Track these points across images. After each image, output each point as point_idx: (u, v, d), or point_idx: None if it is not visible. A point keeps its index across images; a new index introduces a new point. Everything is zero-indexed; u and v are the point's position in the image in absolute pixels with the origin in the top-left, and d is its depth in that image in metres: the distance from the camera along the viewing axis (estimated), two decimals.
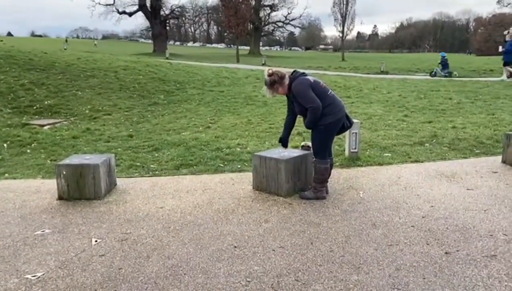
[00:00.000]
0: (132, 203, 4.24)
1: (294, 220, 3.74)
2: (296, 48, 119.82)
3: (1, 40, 27.23)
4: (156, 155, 6.44)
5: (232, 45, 62.40)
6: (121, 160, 6.10)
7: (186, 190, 4.61)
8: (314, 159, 4.28)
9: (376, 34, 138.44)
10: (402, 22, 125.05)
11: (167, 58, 28.50)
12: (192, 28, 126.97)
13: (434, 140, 6.82)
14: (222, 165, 5.69)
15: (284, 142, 4.43)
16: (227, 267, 2.93)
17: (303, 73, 4.20)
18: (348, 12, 48.07)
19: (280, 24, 69.31)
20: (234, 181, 4.93)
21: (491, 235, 3.37)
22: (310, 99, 3.99)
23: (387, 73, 22.38)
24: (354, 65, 29.54)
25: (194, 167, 5.68)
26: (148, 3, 51.03)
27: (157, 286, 2.70)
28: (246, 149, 6.53)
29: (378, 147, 6.44)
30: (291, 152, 4.55)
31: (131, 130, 8.75)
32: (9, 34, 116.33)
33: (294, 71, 4.25)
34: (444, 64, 19.71)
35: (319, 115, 4.01)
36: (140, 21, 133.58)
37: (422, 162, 5.70)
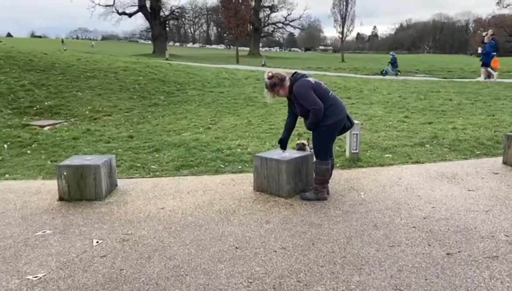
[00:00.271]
0: (133, 203, 4.24)
1: (295, 221, 3.74)
2: (296, 49, 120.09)
3: (0, 41, 27.18)
4: (157, 155, 6.44)
5: (231, 46, 62.48)
6: (122, 160, 6.10)
7: (187, 191, 4.61)
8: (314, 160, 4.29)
9: (376, 35, 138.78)
10: (402, 23, 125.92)
11: (167, 59, 28.48)
12: (192, 29, 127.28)
13: (435, 141, 6.83)
14: (222, 166, 5.69)
15: (283, 143, 4.42)
16: (228, 268, 2.92)
17: (304, 75, 4.19)
18: (347, 13, 48.34)
19: (279, 25, 69.44)
20: (235, 181, 4.93)
21: (492, 236, 3.37)
22: (312, 101, 3.99)
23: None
24: (353, 66, 29.56)
25: (195, 167, 5.67)
26: (148, 4, 51.11)
27: (159, 287, 2.70)
28: (246, 149, 6.53)
29: (378, 147, 6.44)
30: (292, 153, 4.55)
31: (131, 131, 8.74)
32: (9, 34, 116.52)
33: (295, 72, 4.24)
34: (393, 63, 21.16)
35: (321, 117, 4.01)
36: (140, 22, 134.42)
37: (422, 162, 5.70)
